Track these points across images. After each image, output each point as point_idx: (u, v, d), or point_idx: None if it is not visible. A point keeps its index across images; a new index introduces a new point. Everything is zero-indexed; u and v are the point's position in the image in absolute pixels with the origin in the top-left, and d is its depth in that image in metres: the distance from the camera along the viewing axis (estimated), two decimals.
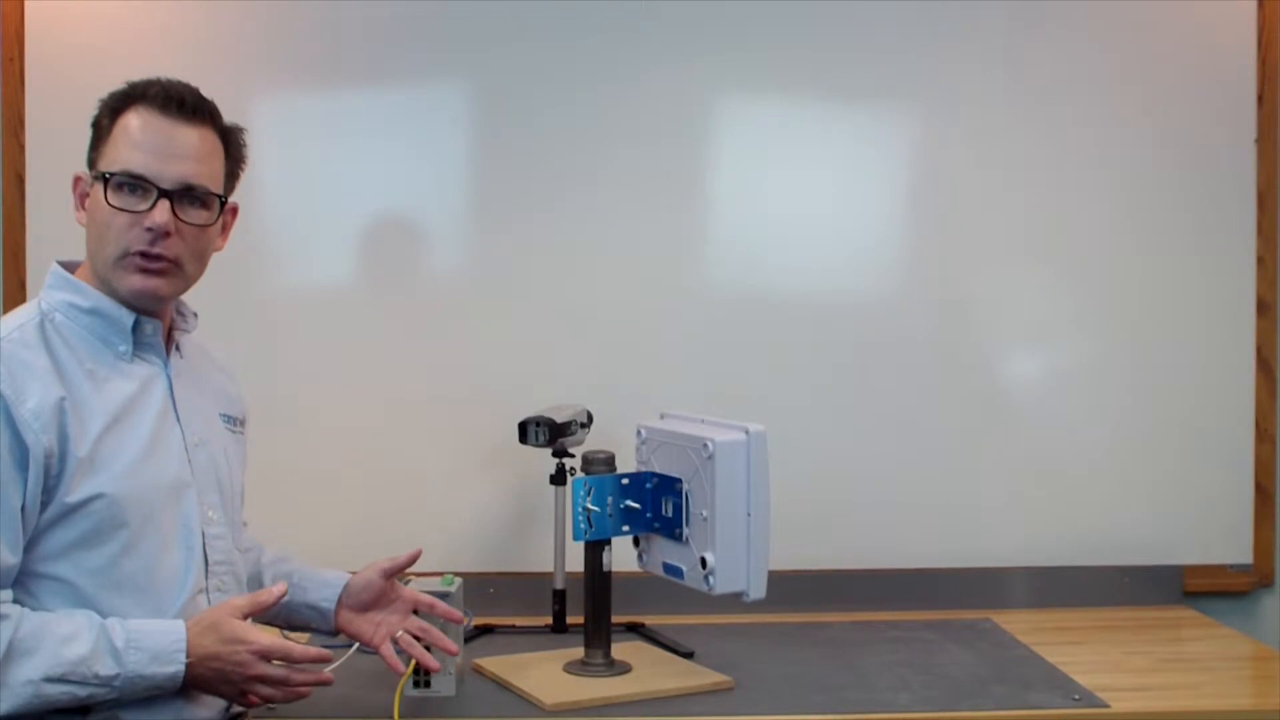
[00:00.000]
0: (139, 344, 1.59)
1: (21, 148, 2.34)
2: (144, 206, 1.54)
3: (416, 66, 2.39)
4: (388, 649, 1.74)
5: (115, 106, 1.57)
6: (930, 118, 2.46)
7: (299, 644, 1.57)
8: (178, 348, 1.67)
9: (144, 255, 1.55)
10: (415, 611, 1.80)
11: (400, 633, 1.75)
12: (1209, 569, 2.47)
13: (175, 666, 1.48)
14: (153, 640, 1.48)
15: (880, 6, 2.41)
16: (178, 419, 1.61)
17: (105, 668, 1.45)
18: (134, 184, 1.54)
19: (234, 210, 1.68)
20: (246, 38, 2.36)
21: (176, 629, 1.50)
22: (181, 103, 1.56)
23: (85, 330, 1.57)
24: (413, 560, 1.80)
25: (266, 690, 1.55)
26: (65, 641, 1.44)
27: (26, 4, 2.33)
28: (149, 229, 1.53)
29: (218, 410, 1.72)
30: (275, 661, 1.55)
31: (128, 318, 1.57)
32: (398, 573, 1.81)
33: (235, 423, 1.76)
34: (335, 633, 1.82)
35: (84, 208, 1.59)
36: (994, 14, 2.43)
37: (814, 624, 2.29)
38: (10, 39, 2.33)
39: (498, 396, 2.33)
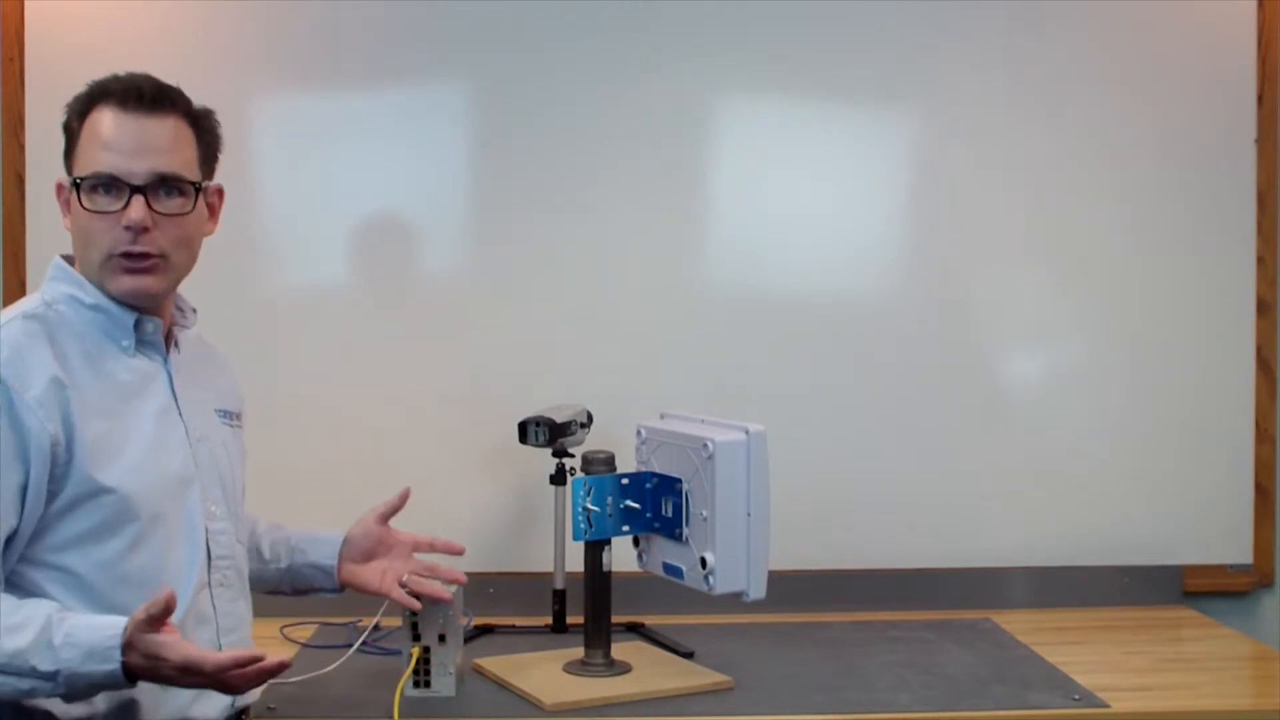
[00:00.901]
0: (140, 341, 1.59)
1: (21, 148, 2.34)
2: (119, 205, 1.53)
3: (416, 66, 2.39)
4: (398, 592, 1.77)
5: (80, 109, 1.56)
6: (930, 118, 2.46)
7: (212, 654, 1.44)
8: (176, 344, 1.67)
9: (128, 255, 1.54)
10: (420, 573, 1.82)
11: (407, 576, 1.78)
12: (1209, 569, 2.47)
13: (111, 665, 1.39)
14: (88, 636, 1.40)
15: (880, 7, 2.41)
16: (180, 414, 1.61)
17: (44, 662, 1.39)
18: (107, 184, 1.53)
19: (219, 191, 1.66)
20: (246, 38, 2.36)
21: (114, 625, 1.40)
22: (141, 95, 1.54)
23: (87, 324, 1.56)
24: (404, 499, 1.84)
25: (218, 690, 1.46)
26: (11, 632, 1.40)
27: (26, 4, 2.33)
28: (127, 228, 1.53)
29: (214, 406, 1.71)
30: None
31: (129, 317, 1.57)
32: (391, 515, 1.83)
33: (232, 417, 1.75)
34: (340, 589, 1.82)
35: (69, 213, 1.58)
36: (994, 14, 2.43)
37: (814, 624, 2.29)
38: (10, 39, 2.33)
39: (498, 396, 2.33)
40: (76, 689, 1.42)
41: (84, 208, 1.53)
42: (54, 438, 1.46)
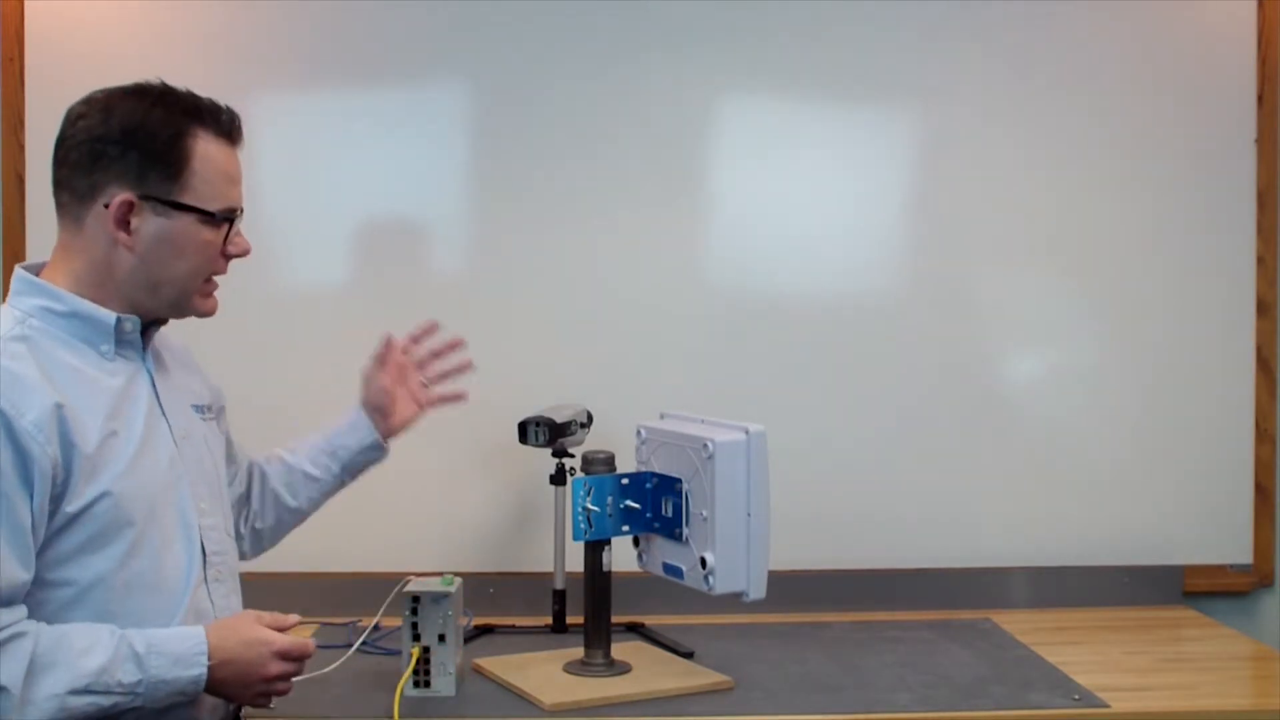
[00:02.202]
0: (119, 342, 1.58)
1: (21, 148, 2.34)
2: (223, 236, 1.60)
3: (416, 66, 2.39)
4: (434, 401, 1.99)
5: (180, 129, 1.55)
6: (930, 119, 2.46)
7: (310, 640, 1.59)
8: (152, 343, 1.65)
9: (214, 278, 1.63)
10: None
11: (422, 381, 1.98)
12: (1209, 569, 2.48)
13: (198, 669, 1.48)
14: (174, 645, 1.49)
15: (880, 7, 2.41)
16: (163, 413, 1.61)
17: (127, 674, 1.45)
18: (229, 218, 1.60)
19: None
20: (246, 38, 2.36)
21: (197, 633, 1.51)
22: (235, 128, 1.61)
23: (64, 333, 1.54)
24: (387, 344, 1.96)
25: (283, 686, 1.58)
26: (84, 653, 1.44)
27: (26, 4, 2.33)
28: (234, 255, 1.62)
29: (190, 401, 1.71)
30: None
31: (109, 317, 1.56)
32: (384, 361, 1.96)
33: (205, 410, 1.74)
34: (386, 445, 1.96)
35: (129, 230, 1.54)
36: (995, 14, 2.43)
37: (814, 624, 2.29)
38: (10, 39, 2.33)
39: (498, 396, 2.33)
40: (153, 699, 1.48)
41: (225, 242, 1.60)
42: (54, 460, 1.45)
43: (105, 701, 1.45)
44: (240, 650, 1.52)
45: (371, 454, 1.94)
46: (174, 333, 1.75)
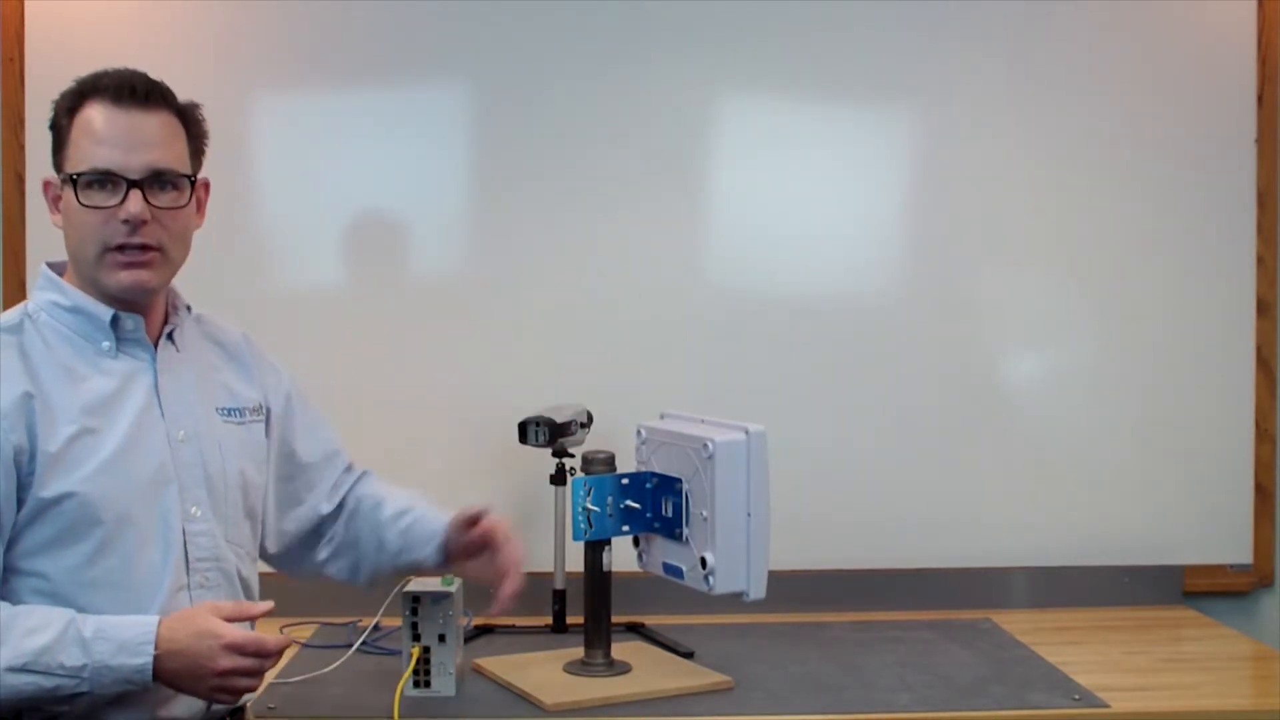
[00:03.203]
0: (122, 339, 1.58)
1: (21, 148, 2.34)
2: (115, 200, 1.52)
3: (416, 66, 2.39)
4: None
5: (70, 105, 1.56)
6: (930, 118, 2.46)
7: (272, 636, 1.53)
8: (171, 340, 1.64)
9: (124, 248, 1.54)
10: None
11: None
12: (1209, 569, 2.48)
13: (143, 658, 1.45)
14: (121, 632, 1.46)
15: (882, 6, 2.41)
16: (162, 414, 1.59)
17: (71, 658, 1.43)
18: (103, 180, 1.53)
19: (206, 185, 1.65)
20: (246, 38, 2.35)
21: (148, 622, 1.48)
22: (134, 90, 1.54)
23: (68, 328, 1.56)
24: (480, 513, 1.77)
25: (242, 683, 1.51)
26: (31, 632, 1.43)
27: (26, 4, 2.33)
28: (125, 221, 1.52)
29: (215, 404, 1.67)
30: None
31: (106, 313, 1.56)
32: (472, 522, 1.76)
33: (238, 413, 1.70)
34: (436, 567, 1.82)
35: (58, 210, 1.58)
36: (995, 14, 2.43)
37: (814, 624, 2.29)
38: (10, 39, 2.33)
39: (498, 396, 2.33)
40: (102, 685, 1.45)
41: (80, 204, 1.53)
42: (18, 447, 1.46)
43: (47, 683, 1.43)
44: (191, 642, 1.47)
45: (417, 570, 1.85)
46: (234, 329, 1.75)
